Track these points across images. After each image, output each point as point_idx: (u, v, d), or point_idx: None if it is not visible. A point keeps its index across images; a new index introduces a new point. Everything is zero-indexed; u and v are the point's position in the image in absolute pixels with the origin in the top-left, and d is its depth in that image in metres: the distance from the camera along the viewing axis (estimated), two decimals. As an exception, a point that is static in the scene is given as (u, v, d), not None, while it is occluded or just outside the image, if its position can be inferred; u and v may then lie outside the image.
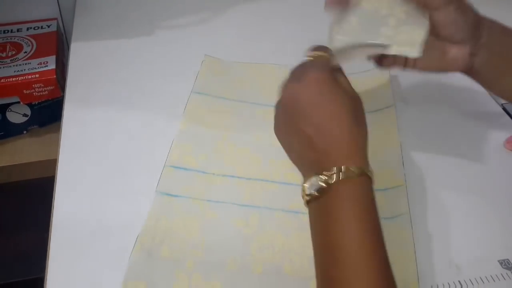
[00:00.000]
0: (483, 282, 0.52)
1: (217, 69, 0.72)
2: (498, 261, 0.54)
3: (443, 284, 0.51)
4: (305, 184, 0.43)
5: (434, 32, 0.51)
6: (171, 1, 0.87)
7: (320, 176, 0.41)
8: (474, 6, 0.52)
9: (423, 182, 0.61)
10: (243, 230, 0.54)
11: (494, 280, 0.52)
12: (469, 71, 0.54)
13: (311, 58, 0.49)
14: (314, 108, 0.44)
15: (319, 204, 0.42)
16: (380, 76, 0.71)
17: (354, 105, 0.45)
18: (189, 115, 0.65)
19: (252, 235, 0.54)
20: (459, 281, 0.52)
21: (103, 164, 0.61)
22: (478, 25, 0.52)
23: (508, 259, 0.54)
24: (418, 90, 0.66)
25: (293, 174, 0.59)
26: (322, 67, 0.47)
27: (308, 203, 0.43)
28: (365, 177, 0.42)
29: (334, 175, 0.41)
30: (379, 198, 0.57)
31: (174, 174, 0.58)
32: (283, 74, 0.67)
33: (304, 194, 0.43)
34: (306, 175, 0.44)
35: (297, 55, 0.77)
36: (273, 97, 0.62)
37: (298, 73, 0.47)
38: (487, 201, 0.60)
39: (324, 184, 0.41)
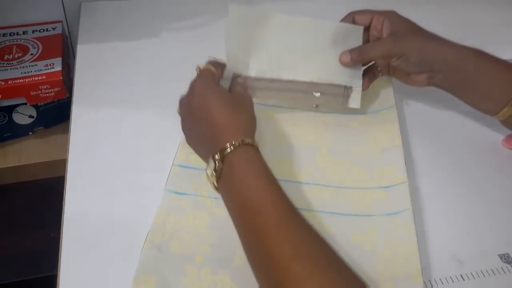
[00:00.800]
0: (484, 275, 0.53)
1: (246, 22, 0.68)
2: (499, 255, 0.55)
3: (445, 278, 0.53)
4: (207, 171, 0.51)
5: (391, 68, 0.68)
6: (175, 3, 0.89)
7: (214, 156, 0.50)
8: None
9: (424, 179, 0.63)
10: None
11: (494, 274, 0.54)
12: (435, 86, 0.65)
13: (197, 72, 0.60)
14: (201, 110, 0.54)
15: (222, 180, 0.51)
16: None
17: (231, 99, 0.56)
18: None
19: None
20: (460, 275, 0.53)
21: (111, 163, 0.62)
22: (429, 60, 0.62)
23: (508, 254, 0.55)
24: (417, 90, 0.67)
25: (298, 172, 0.61)
26: (205, 77, 0.58)
27: (217, 188, 0.52)
28: (250, 146, 0.51)
29: (225, 150, 0.50)
30: (383, 196, 0.59)
31: (181, 173, 0.60)
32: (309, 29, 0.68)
33: (210, 179, 0.51)
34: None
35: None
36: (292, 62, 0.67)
37: (189, 89, 0.58)
38: (487, 197, 0.61)
39: (217, 163, 0.50)
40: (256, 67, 0.66)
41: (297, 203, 0.56)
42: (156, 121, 0.68)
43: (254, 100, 0.59)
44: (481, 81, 0.62)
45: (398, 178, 0.61)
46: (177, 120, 0.67)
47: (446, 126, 0.70)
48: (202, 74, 0.59)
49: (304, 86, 0.66)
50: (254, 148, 0.52)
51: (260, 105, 0.69)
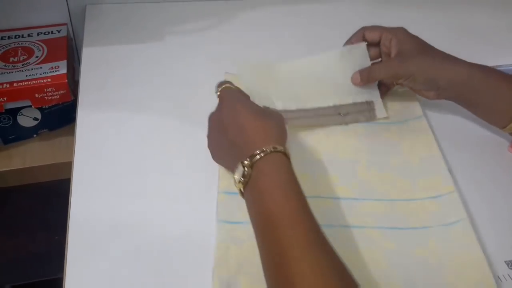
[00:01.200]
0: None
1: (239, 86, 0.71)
2: (505, 262, 0.55)
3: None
4: (235, 176, 0.51)
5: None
6: (180, 6, 0.89)
7: (244, 162, 0.50)
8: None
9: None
10: None
11: (501, 281, 0.53)
12: (445, 99, 0.66)
13: (219, 91, 0.59)
14: (231, 118, 0.54)
15: (249, 187, 0.50)
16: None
17: (261, 108, 0.56)
18: None
19: None
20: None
21: (117, 166, 0.62)
22: (435, 80, 0.63)
23: (514, 260, 0.55)
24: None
25: (344, 188, 0.61)
26: (230, 92, 0.58)
27: (243, 193, 0.51)
28: (280, 153, 0.51)
29: (255, 156, 0.49)
30: (435, 206, 0.60)
31: (228, 200, 0.58)
32: (311, 64, 0.71)
33: (237, 185, 0.51)
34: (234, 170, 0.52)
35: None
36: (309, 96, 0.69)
37: (218, 105, 0.58)
38: (493, 204, 0.61)
39: (247, 168, 0.49)
40: (280, 104, 0.68)
41: (348, 220, 0.58)
42: (161, 124, 0.68)
43: None
44: (487, 98, 0.63)
45: (445, 187, 0.61)
46: (181, 122, 0.67)
47: (451, 133, 0.69)
48: (228, 87, 0.59)
49: (329, 110, 0.69)
50: (285, 156, 0.51)
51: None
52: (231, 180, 0.58)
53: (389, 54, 0.66)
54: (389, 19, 0.89)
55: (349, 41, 0.70)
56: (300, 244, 0.44)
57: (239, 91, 0.59)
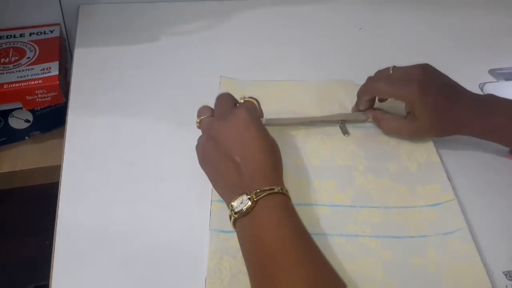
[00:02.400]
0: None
1: (235, 91, 0.70)
2: (503, 272, 0.54)
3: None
4: (233, 203, 0.49)
5: None
6: (175, 7, 0.87)
7: (249, 195, 0.48)
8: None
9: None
10: None
11: (498, 291, 0.52)
12: None
13: (242, 101, 0.58)
14: (241, 141, 0.52)
15: (247, 220, 0.48)
16: None
17: (270, 141, 0.54)
18: None
19: None
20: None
21: (107, 171, 0.61)
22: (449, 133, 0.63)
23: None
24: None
25: (341, 195, 0.60)
26: (252, 109, 0.56)
27: (234, 222, 0.50)
28: (284, 194, 0.50)
29: (261, 192, 0.48)
30: (433, 214, 0.58)
31: (222, 209, 0.56)
32: (301, 89, 0.71)
33: (232, 213, 0.49)
34: (231, 197, 0.50)
35: (300, 60, 0.78)
36: (300, 115, 0.66)
37: (224, 111, 0.56)
38: (491, 212, 0.60)
39: (250, 202, 0.48)
40: (269, 113, 0.66)
41: (345, 229, 0.56)
42: (153, 128, 0.66)
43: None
44: (493, 124, 0.61)
45: (444, 195, 0.60)
46: (175, 126, 0.66)
47: (450, 139, 0.68)
48: (249, 104, 0.57)
49: (323, 118, 0.67)
50: (287, 197, 0.50)
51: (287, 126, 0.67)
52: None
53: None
54: (389, 20, 0.89)
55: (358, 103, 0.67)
56: None
57: (256, 112, 0.57)
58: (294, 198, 0.57)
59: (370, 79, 0.65)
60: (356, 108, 0.67)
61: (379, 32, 0.86)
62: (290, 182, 0.59)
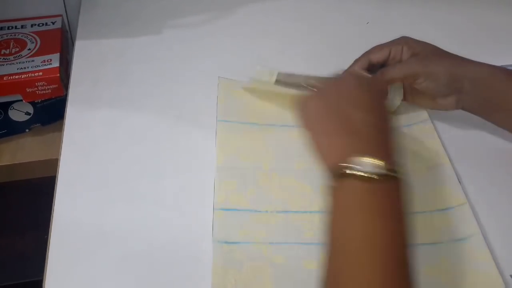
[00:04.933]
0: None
1: (234, 91, 0.69)
2: (510, 275, 0.52)
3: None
4: (363, 159, 0.42)
5: (416, 90, 0.61)
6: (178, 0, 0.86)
7: (377, 161, 0.42)
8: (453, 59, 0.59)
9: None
10: (318, 273, 0.51)
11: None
12: (462, 109, 0.61)
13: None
14: (365, 98, 0.48)
15: (365, 187, 0.42)
16: None
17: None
18: (222, 148, 0.62)
19: None
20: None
21: (105, 166, 0.60)
22: (459, 79, 0.58)
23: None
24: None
25: None
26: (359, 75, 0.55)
27: (340, 177, 0.43)
28: (399, 180, 0.43)
29: (384, 165, 0.42)
30: (445, 220, 0.56)
31: (226, 218, 0.55)
32: None
33: (351, 169, 0.42)
34: (355, 151, 0.43)
35: (305, 55, 0.77)
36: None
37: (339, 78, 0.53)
38: (499, 216, 0.58)
39: (385, 171, 0.41)
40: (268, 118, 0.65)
41: None
42: (154, 124, 0.65)
43: None
44: (509, 99, 0.58)
45: (455, 199, 0.58)
46: (177, 122, 0.65)
47: (458, 140, 0.66)
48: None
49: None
50: (402, 183, 0.44)
51: (290, 127, 0.65)
52: (228, 195, 0.56)
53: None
54: (396, 14, 0.87)
55: (352, 67, 0.64)
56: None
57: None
58: (300, 205, 0.56)
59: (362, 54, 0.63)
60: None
61: (386, 27, 0.84)
62: (293, 188, 0.59)
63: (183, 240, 0.54)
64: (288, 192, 0.58)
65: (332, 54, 0.78)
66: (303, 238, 0.54)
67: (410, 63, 0.60)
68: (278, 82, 0.64)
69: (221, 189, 0.57)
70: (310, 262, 0.52)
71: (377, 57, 0.62)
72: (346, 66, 0.73)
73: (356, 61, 0.63)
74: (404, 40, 0.61)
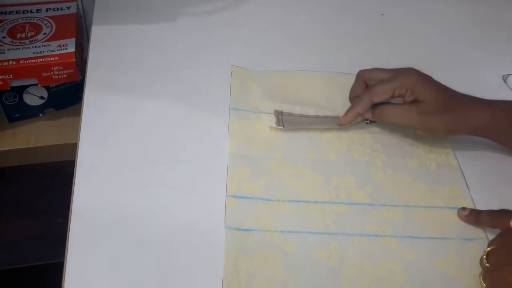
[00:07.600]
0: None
1: (248, 80, 0.69)
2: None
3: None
4: None
5: None
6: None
7: None
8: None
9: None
10: (328, 263, 0.52)
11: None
12: None
13: None
14: None
15: None
16: None
17: None
18: (234, 136, 0.62)
19: (338, 267, 0.52)
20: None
21: (123, 152, 0.60)
22: (457, 132, 0.60)
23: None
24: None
25: (360, 192, 0.58)
26: None
27: None
28: None
29: None
30: (454, 218, 0.57)
31: (238, 205, 0.55)
32: (315, 80, 0.69)
33: None
34: None
35: (319, 45, 0.76)
36: (312, 106, 0.64)
37: None
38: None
39: None
40: (286, 107, 0.65)
41: (365, 228, 0.55)
42: (170, 110, 0.65)
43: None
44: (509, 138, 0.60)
45: (463, 201, 0.58)
46: (192, 109, 0.65)
47: (462, 143, 0.66)
48: None
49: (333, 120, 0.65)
50: None
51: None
52: (240, 183, 0.57)
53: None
54: (411, 7, 0.87)
55: (355, 109, 0.62)
56: None
57: None
58: (312, 196, 0.57)
59: (364, 93, 0.61)
60: (351, 117, 0.63)
61: (400, 20, 0.84)
62: (306, 178, 0.59)
63: (198, 225, 0.54)
64: (300, 182, 0.59)
65: (346, 46, 0.78)
66: (314, 228, 0.55)
67: (410, 117, 0.60)
68: (284, 128, 0.64)
69: (234, 176, 0.58)
70: (321, 252, 0.53)
71: (379, 100, 0.61)
72: (359, 58, 0.74)
73: (359, 101, 0.62)
74: (409, 82, 0.59)
